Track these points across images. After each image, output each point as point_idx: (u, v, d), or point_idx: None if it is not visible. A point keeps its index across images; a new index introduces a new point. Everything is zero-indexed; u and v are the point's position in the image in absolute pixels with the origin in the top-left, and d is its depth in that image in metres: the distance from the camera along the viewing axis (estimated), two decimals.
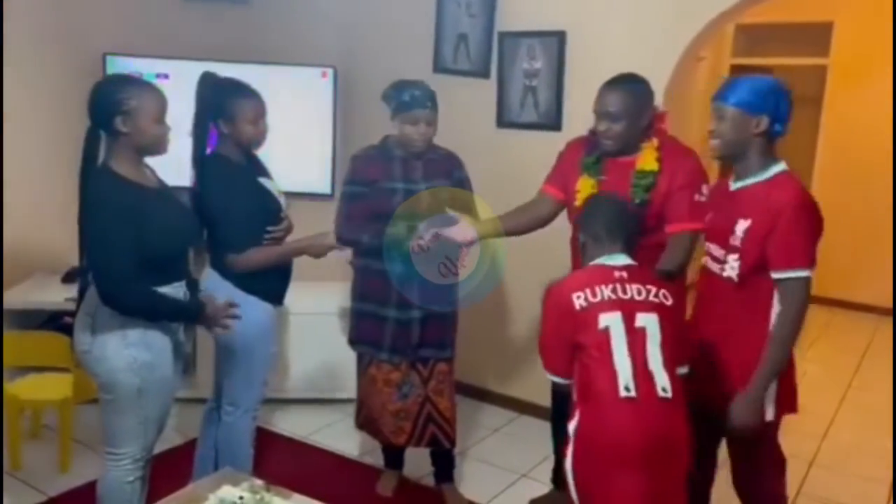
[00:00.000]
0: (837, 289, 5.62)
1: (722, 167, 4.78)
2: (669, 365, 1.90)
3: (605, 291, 1.93)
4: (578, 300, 1.93)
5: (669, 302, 1.96)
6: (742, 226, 2.02)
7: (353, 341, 2.83)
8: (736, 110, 2.01)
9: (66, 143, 3.68)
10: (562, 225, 2.62)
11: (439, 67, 3.77)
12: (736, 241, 2.04)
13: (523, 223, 2.63)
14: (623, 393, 1.84)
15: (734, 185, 2.12)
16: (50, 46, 3.77)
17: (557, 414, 2.77)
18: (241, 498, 1.85)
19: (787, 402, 2.11)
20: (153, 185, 2.14)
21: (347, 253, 2.72)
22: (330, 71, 3.94)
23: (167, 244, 2.10)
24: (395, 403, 2.74)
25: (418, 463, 3.05)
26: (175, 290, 2.15)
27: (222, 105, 2.44)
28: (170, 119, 2.11)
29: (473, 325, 3.43)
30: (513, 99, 3.61)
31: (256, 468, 2.65)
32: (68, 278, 3.78)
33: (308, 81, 3.94)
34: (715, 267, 2.14)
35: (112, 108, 2.00)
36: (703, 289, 2.23)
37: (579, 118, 3.27)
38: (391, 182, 2.63)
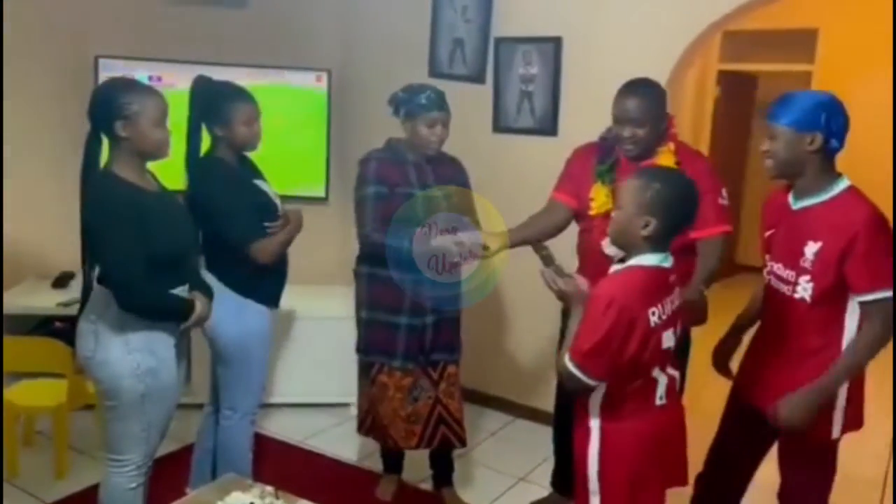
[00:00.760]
0: None
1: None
2: (674, 361, 1.92)
3: (668, 306, 1.81)
4: (653, 317, 1.76)
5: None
6: (812, 248, 1.97)
7: (364, 351, 2.77)
8: (787, 129, 1.95)
9: (57, 147, 3.67)
10: (564, 232, 2.64)
11: (435, 72, 3.77)
12: (806, 263, 1.99)
13: (538, 232, 2.55)
14: (658, 402, 1.85)
15: (797, 204, 2.05)
16: (41, 49, 3.74)
17: (561, 419, 2.78)
18: None
19: (855, 419, 2.10)
20: (155, 190, 2.13)
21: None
22: (325, 75, 3.94)
23: (171, 247, 2.10)
24: (406, 408, 2.72)
25: (417, 467, 3.05)
26: (181, 294, 2.15)
27: (217, 108, 2.44)
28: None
29: (471, 329, 3.42)
30: (509, 104, 3.63)
31: (254, 473, 2.63)
32: (59, 283, 3.75)
33: (303, 85, 3.93)
34: (784, 288, 2.08)
35: (113, 113, 2.00)
36: (773, 308, 2.17)
37: (575, 123, 3.32)
38: (408, 187, 2.61)
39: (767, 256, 2.17)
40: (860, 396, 2.11)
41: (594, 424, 1.86)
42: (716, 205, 2.37)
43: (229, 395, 2.59)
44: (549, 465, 3.01)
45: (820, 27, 5.92)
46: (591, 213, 2.48)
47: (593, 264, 2.40)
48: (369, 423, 2.84)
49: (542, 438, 3.01)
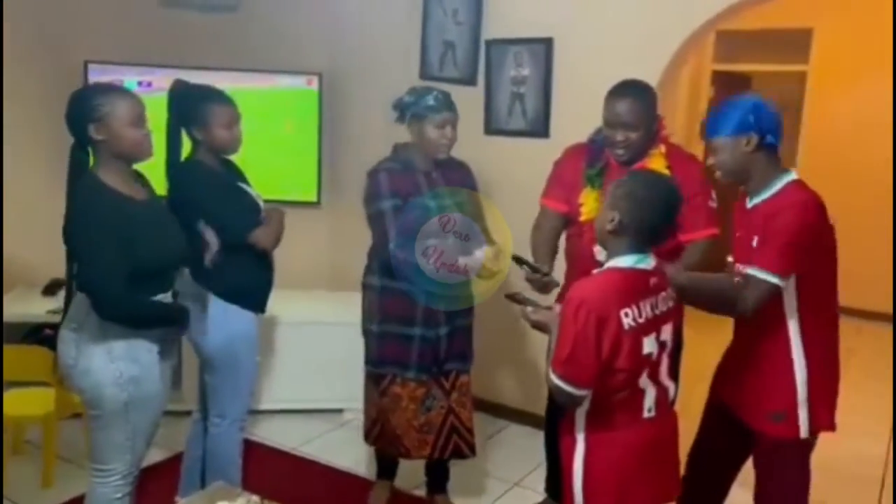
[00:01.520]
0: None
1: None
2: (671, 372, 1.88)
3: (646, 308, 1.76)
4: (627, 319, 1.71)
5: (674, 301, 1.90)
6: (755, 243, 2.01)
7: (376, 363, 2.71)
8: (723, 139, 2.01)
9: (46, 154, 3.64)
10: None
11: (426, 75, 3.74)
12: (753, 258, 2.02)
13: (550, 250, 2.55)
14: (646, 414, 1.81)
15: (749, 204, 2.10)
16: (30, 55, 3.72)
17: (552, 424, 2.75)
18: None
19: (825, 418, 2.09)
20: (142, 198, 2.10)
21: None
22: (316, 78, 3.91)
23: (156, 256, 2.07)
24: (419, 418, 2.67)
25: (410, 474, 3.02)
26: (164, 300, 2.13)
27: (195, 111, 2.41)
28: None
29: None
30: (500, 106, 3.61)
31: (244, 481, 2.61)
32: (49, 290, 3.73)
33: (294, 88, 3.91)
34: None
35: (85, 116, 1.99)
36: None
37: (567, 125, 3.29)
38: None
39: (733, 258, 2.20)
40: (829, 397, 2.10)
41: (580, 437, 1.83)
42: (706, 208, 2.36)
43: (217, 402, 2.56)
44: (543, 471, 2.98)
45: (815, 27, 5.91)
46: (581, 218, 2.45)
47: (583, 269, 2.37)
48: (377, 433, 2.78)
49: (536, 443, 2.98)
